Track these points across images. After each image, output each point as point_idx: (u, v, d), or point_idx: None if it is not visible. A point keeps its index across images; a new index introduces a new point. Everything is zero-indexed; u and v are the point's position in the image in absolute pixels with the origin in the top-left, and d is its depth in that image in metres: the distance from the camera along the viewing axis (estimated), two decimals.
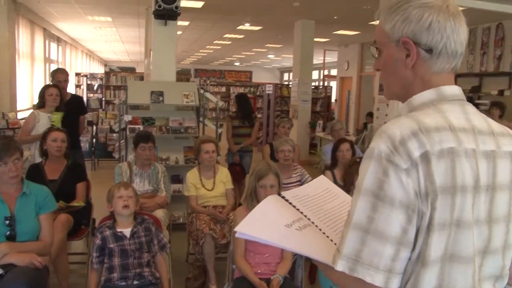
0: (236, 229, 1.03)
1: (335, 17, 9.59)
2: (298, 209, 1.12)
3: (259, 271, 2.93)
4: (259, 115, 10.50)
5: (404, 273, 0.96)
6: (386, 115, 6.02)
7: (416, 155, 0.93)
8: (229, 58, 23.20)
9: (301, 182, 4.34)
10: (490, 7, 5.32)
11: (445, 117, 1.01)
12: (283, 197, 1.16)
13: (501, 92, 8.38)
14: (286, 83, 24.32)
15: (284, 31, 11.60)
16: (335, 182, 3.71)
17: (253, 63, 25.63)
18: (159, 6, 5.46)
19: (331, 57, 16.33)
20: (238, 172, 5.90)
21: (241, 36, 13.54)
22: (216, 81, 23.07)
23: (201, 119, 5.77)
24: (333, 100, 14.08)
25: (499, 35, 8.75)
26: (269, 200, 1.14)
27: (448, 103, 1.04)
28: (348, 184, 3.44)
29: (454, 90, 1.07)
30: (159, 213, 3.79)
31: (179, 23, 7.21)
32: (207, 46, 17.27)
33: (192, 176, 4.17)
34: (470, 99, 7.72)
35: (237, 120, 6.17)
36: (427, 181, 0.93)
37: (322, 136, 9.45)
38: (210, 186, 4.15)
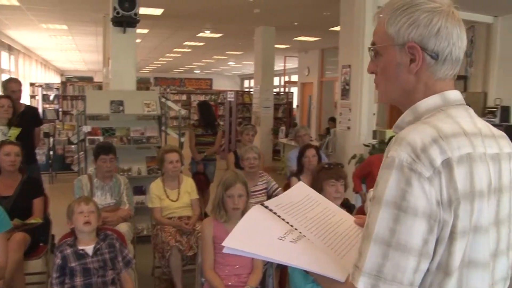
0: (224, 243, 0.96)
1: (295, 24, 9.66)
2: (283, 219, 1.08)
3: (229, 283, 2.86)
4: (221, 123, 10.43)
5: (422, 285, 0.93)
6: (349, 119, 6.07)
7: (439, 163, 0.91)
8: (189, 66, 23.03)
9: (267, 190, 4.30)
10: None
11: (457, 122, 1.00)
12: (266, 207, 1.11)
13: None
14: (247, 90, 24.36)
15: (245, 38, 11.60)
16: None
17: (213, 70, 25.53)
18: (118, 13, 5.35)
19: (292, 63, 16.48)
20: (202, 181, 5.81)
21: (201, 44, 13.45)
22: (176, 89, 22.87)
23: (163, 128, 5.66)
24: (294, 106, 14.20)
25: None
26: (253, 212, 1.09)
27: (454, 108, 1.04)
28: (316, 190, 3.41)
29: (457, 95, 1.07)
30: (123, 227, 3.67)
31: (138, 30, 7.07)
32: (167, 54, 17.06)
33: (155, 187, 4.06)
34: None
35: (200, 129, 6.09)
36: (450, 189, 0.91)
37: (285, 142, 9.48)
38: (175, 197, 4.05)
